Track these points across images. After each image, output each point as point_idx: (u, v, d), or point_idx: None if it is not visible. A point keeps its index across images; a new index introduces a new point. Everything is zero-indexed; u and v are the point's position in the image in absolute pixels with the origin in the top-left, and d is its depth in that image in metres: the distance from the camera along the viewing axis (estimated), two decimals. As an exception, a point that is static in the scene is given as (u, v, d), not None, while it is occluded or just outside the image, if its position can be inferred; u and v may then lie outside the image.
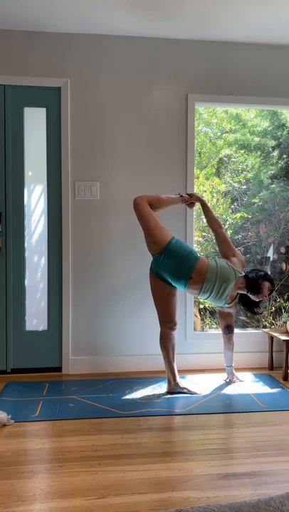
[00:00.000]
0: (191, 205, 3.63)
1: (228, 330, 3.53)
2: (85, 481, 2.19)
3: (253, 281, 3.34)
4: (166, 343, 3.38)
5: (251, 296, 3.38)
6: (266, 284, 3.36)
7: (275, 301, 4.79)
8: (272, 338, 3.96)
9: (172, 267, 3.26)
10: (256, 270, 3.46)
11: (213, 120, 5.37)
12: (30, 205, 3.91)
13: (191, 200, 3.57)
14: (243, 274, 3.39)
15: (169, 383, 3.40)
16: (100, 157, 3.88)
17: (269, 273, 3.69)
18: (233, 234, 5.09)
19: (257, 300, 3.42)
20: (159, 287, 3.35)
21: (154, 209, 3.34)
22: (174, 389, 3.38)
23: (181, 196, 3.51)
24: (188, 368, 3.88)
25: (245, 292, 3.39)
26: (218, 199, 5.00)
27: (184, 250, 3.31)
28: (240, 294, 3.43)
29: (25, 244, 3.89)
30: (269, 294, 3.44)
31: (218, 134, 5.39)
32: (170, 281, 3.31)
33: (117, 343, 3.93)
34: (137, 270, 3.93)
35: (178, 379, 3.40)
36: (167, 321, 3.36)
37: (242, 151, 5.24)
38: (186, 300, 3.98)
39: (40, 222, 3.92)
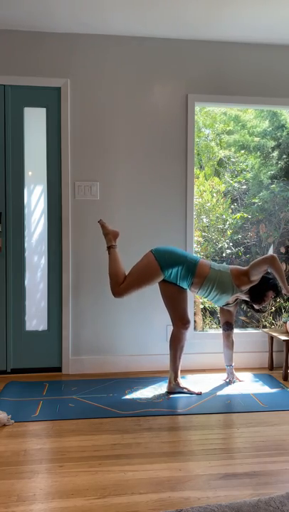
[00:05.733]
0: None
1: (227, 326, 3.56)
2: (85, 481, 2.19)
3: (256, 293, 3.37)
4: (176, 342, 3.38)
5: (253, 304, 3.43)
6: (269, 294, 3.39)
7: (275, 301, 4.79)
8: (272, 338, 3.96)
9: (175, 274, 3.28)
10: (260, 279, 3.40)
11: (207, 121, 5.37)
12: (30, 205, 3.91)
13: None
14: (243, 291, 3.36)
15: (170, 383, 3.40)
16: (100, 157, 3.88)
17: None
18: (233, 234, 5.09)
19: (258, 307, 3.47)
20: (167, 288, 3.35)
21: (119, 270, 3.29)
22: (174, 389, 3.38)
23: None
24: (188, 367, 3.88)
25: (247, 299, 3.43)
26: (218, 199, 5.00)
27: (179, 257, 3.29)
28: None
29: (25, 244, 3.89)
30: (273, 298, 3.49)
31: (213, 136, 5.39)
32: (174, 282, 3.32)
33: (117, 343, 3.93)
34: (137, 270, 3.92)
35: (179, 379, 3.40)
36: (180, 318, 3.36)
37: (242, 152, 5.24)
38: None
39: (40, 222, 3.92)
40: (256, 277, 3.28)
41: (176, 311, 3.37)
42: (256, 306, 3.44)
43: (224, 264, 3.48)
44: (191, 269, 3.25)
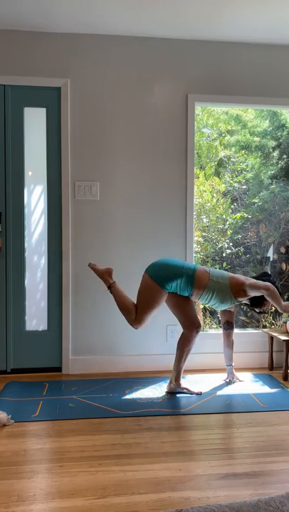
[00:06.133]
0: None
1: (227, 326, 3.57)
2: (85, 481, 2.19)
3: (256, 299, 3.39)
4: (184, 344, 3.37)
5: (254, 308, 3.47)
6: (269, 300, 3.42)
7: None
8: (272, 338, 3.96)
9: (177, 286, 3.30)
10: (263, 280, 3.41)
11: (210, 121, 5.37)
12: (30, 205, 3.91)
13: None
14: (242, 301, 3.39)
15: (170, 383, 3.40)
16: (100, 157, 3.88)
17: (269, 272, 3.69)
18: (233, 234, 5.09)
19: (259, 311, 3.51)
20: (171, 298, 3.36)
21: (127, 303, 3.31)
22: (174, 389, 3.38)
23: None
24: (188, 367, 3.87)
25: (248, 303, 3.46)
26: (218, 199, 5.00)
27: (175, 269, 3.29)
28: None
29: (25, 244, 3.89)
30: None
31: (215, 135, 5.39)
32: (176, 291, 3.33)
33: (117, 343, 3.93)
34: (137, 270, 3.92)
35: (180, 380, 3.40)
36: (191, 323, 3.36)
37: (242, 152, 5.24)
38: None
39: (40, 222, 3.92)
40: (253, 294, 3.32)
41: (185, 316, 3.37)
42: (257, 310, 3.49)
43: (223, 271, 3.44)
44: (190, 280, 3.26)
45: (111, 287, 3.35)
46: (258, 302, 3.41)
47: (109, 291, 3.36)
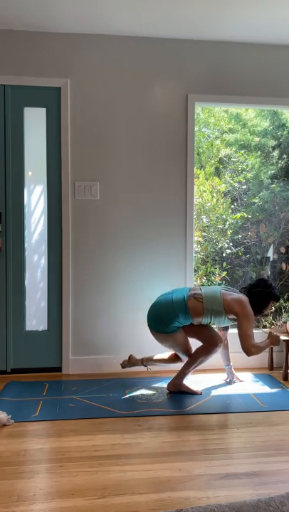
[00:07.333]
0: None
1: (223, 327, 3.56)
2: (85, 481, 2.19)
3: (258, 306, 3.40)
4: (201, 354, 3.36)
5: (255, 314, 3.45)
6: (270, 303, 3.45)
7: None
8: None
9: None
10: (259, 291, 3.41)
11: (212, 120, 5.37)
12: (30, 205, 3.91)
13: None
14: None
15: (171, 382, 3.40)
16: (99, 157, 3.88)
17: (269, 273, 3.69)
18: (233, 234, 5.09)
19: (260, 316, 3.56)
20: (183, 329, 3.36)
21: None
22: (174, 389, 3.38)
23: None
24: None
25: None
26: (218, 199, 5.00)
27: (167, 312, 3.31)
28: None
29: (25, 244, 3.89)
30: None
31: (216, 134, 5.39)
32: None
33: (117, 343, 3.93)
34: (137, 270, 3.93)
35: (182, 381, 3.39)
36: (211, 344, 3.35)
37: (242, 151, 5.24)
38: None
39: (40, 222, 3.92)
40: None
41: (203, 338, 3.38)
42: (257, 315, 3.49)
43: (214, 293, 3.35)
44: (186, 314, 3.28)
45: (144, 362, 3.58)
46: (260, 308, 3.41)
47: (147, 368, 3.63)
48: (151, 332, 3.44)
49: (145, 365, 3.60)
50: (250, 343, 3.24)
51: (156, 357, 3.61)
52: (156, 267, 3.95)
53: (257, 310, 3.41)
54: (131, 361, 3.63)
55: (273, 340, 3.39)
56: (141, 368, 3.79)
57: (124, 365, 3.65)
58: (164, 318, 3.31)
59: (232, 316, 3.32)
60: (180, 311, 3.27)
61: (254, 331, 4.19)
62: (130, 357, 3.65)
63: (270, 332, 3.47)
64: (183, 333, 3.36)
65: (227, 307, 3.28)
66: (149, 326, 3.44)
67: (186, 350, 3.40)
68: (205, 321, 3.33)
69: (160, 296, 3.48)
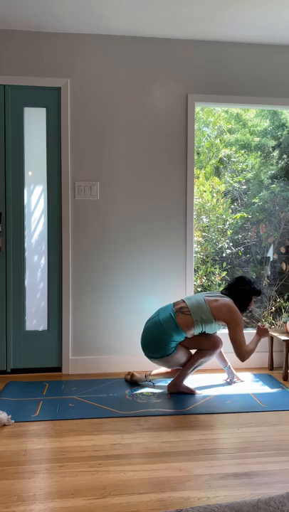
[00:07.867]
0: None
1: None
2: (85, 481, 2.19)
3: (242, 304, 3.42)
4: (202, 355, 3.35)
5: (241, 312, 3.46)
6: (252, 299, 3.48)
7: (275, 301, 4.79)
8: (272, 338, 3.96)
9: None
10: (241, 289, 3.44)
11: (211, 119, 5.37)
12: (30, 205, 3.91)
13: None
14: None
15: (171, 384, 3.39)
16: (100, 157, 3.88)
17: (269, 273, 3.69)
18: (233, 234, 5.09)
19: (245, 313, 3.63)
20: (182, 344, 3.35)
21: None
22: (174, 390, 3.37)
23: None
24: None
25: None
26: (218, 199, 5.00)
27: (159, 334, 3.30)
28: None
29: (25, 244, 3.89)
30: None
31: (216, 133, 5.39)
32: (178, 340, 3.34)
33: (117, 343, 3.93)
34: (137, 270, 3.93)
35: (183, 383, 3.39)
36: (212, 347, 3.35)
37: (242, 151, 5.24)
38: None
39: (40, 222, 3.92)
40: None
41: (204, 343, 3.37)
42: (243, 313, 3.49)
43: (199, 302, 3.36)
44: (178, 331, 3.26)
45: (147, 378, 3.57)
46: (244, 305, 3.44)
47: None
48: (151, 360, 3.42)
49: (150, 381, 3.57)
50: (243, 349, 3.28)
51: (160, 371, 3.58)
52: (157, 267, 3.95)
53: (242, 308, 3.43)
54: (134, 380, 3.57)
55: (261, 333, 3.44)
56: (140, 368, 3.80)
57: (126, 379, 3.63)
58: (159, 343, 3.29)
59: (222, 323, 3.33)
60: (172, 329, 3.26)
61: (253, 331, 4.20)
62: (132, 375, 3.59)
63: (257, 326, 3.51)
64: (182, 348, 3.34)
65: (215, 314, 3.30)
66: (146, 355, 3.41)
67: (186, 355, 3.39)
68: (197, 331, 3.31)
69: (147, 323, 3.46)
